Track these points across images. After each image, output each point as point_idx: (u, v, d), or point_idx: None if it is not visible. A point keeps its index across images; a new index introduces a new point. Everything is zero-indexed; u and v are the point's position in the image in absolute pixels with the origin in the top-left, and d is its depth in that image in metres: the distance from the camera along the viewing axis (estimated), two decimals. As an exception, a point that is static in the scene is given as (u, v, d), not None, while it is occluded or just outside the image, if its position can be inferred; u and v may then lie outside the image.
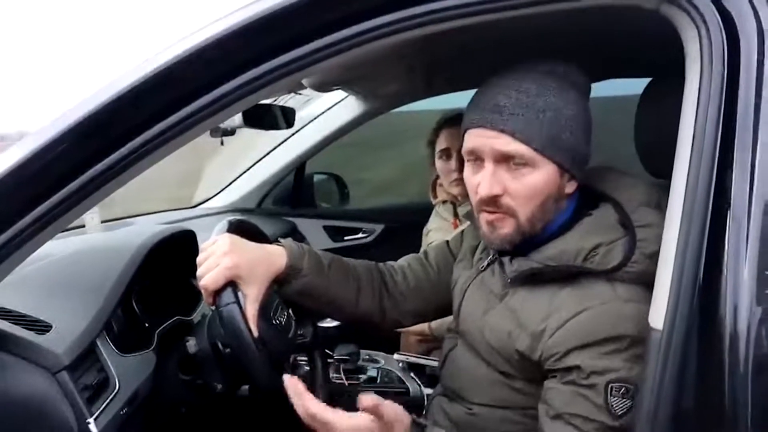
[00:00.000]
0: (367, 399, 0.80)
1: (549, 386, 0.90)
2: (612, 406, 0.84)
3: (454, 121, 1.94)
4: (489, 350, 0.99)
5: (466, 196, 1.93)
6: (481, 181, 0.93)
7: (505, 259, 1.00)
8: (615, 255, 0.90)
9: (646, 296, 0.85)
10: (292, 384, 0.84)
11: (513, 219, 0.94)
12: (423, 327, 1.82)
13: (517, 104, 0.90)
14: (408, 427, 0.85)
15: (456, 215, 1.99)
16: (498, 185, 0.92)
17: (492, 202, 0.93)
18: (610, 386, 0.84)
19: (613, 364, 0.84)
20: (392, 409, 0.83)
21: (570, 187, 0.96)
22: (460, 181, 1.93)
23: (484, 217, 0.97)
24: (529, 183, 0.91)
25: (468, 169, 0.98)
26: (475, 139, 0.94)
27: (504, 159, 0.91)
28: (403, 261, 1.28)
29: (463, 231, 1.26)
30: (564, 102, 0.92)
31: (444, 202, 2.04)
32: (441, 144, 1.96)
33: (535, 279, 0.94)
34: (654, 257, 0.85)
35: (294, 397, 0.84)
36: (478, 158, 0.95)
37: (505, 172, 0.92)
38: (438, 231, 2.03)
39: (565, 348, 0.87)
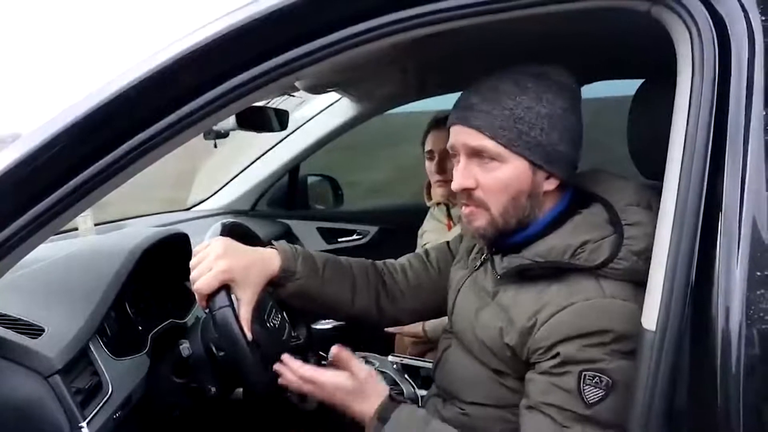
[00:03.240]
0: (335, 348, 1.02)
1: (528, 377, 0.92)
2: (584, 393, 0.85)
3: (439, 123, 1.95)
4: (481, 348, 1.00)
5: (451, 197, 1.96)
6: (455, 175, 0.98)
7: (497, 257, 1.01)
8: (602, 252, 0.91)
9: (634, 294, 0.87)
10: (286, 359, 1.02)
11: (486, 212, 0.97)
12: (417, 329, 1.82)
13: (487, 102, 0.94)
14: (386, 400, 0.99)
15: (450, 217, 1.99)
16: (470, 179, 0.96)
17: (465, 195, 0.98)
18: (583, 374, 0.85)
19: (593, 356, 0.86)
20: (366, 372, 1.01)
21: (549, 185, 0.97)
22: (444, 182, 1.94)
23: (462, 211, 1.02)
24: (498, 177, 0.95)
25: (454, 165, 1.02)
26: (452, 136, 0.99)
27: (475, 154, 0.96)
28: (403, 259, 1.29)
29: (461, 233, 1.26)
30: (537, 101, 0.93)
31: (438, 203, 2.04)
32: (427, 146, 1.97)
33: (524, 276, 0.96)
34: (642, 255, 0.87)
35: (288, 367, 1.01)
36: (456, 154, 1.00)
37: (476, 167, 0.96)
38: (432, 232, 2.03)
39: (549, 342, 0.88)
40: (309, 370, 1.01)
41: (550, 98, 0.94)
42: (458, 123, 0.97)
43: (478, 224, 0.99)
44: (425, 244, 2.01)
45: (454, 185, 0.98)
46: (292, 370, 1.01)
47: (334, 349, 1.02)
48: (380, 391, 1.01)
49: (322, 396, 1.01)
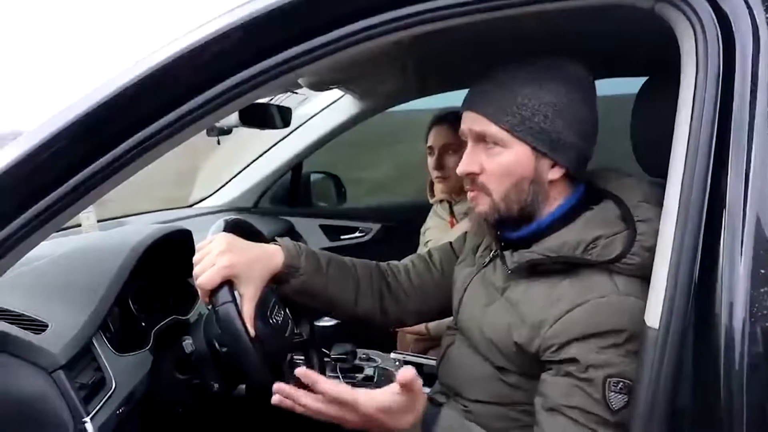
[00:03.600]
0: (407, 373, 0.81)
1: (545, 378, 0.91)
2: (610, 400, 0.84)
3: (440, 120, 1.95)
4: (487, 345, 1.00)
5: (450, 192, 1.96)
6: (462, 160, 1.00)
7: (507, 253, 1.01)
8: (615, 247, 0.91)
9: (645, 291, 0.85)
10: (303, 373, 0.85)
11: (488, 197, 0.99)
12: (420, 326, 1.82)
13: (492, 88, 0.97)
14: (425, 402, 0.89)
15: (452, 214, 1.99)
16: (475, 164, 0.99)
17: (470, 180, 1.01)
18: (608, 381, 0.85)
19: (611, 359, 0.85)
20: (420, 383, 0.85)
21: (554, 174, 0.97)
22: (443, 179, 1.94)
23: (468, 196, 1.03)
24: (500, 162, 0.96)
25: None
26: (462, 122, 1.01)
27: (480, 139, 0.98)
28: (407, 260, 1.29)
29: (466, 232, 1.27)
30: (540, 89, 0.94)
31: (441, 200, 2.04)
32: (428, 142, 1.98)
33: (535, 271, 0.96)
34: (652, 251, 0.86)
35: (311, 383, 0.85)
36: (466, 140, 1.02)
37: (482, 152, 0.98)
38: (435, 230, 2.03)
39: (563, 339, 0.88)
40: (336, 388, 0.84)
41: (555, 87, 0.94)
42: (467, 109, 1.00)
43: (480, 209, 1.01)
44: (428, 242, 2.01)
45: (459, 169, 1.00)
46: (314, 383, 0.85)
47: (405, 376, 0.81)
48: (424, 397, 0.89)
49: (351, 419, 0.86)
